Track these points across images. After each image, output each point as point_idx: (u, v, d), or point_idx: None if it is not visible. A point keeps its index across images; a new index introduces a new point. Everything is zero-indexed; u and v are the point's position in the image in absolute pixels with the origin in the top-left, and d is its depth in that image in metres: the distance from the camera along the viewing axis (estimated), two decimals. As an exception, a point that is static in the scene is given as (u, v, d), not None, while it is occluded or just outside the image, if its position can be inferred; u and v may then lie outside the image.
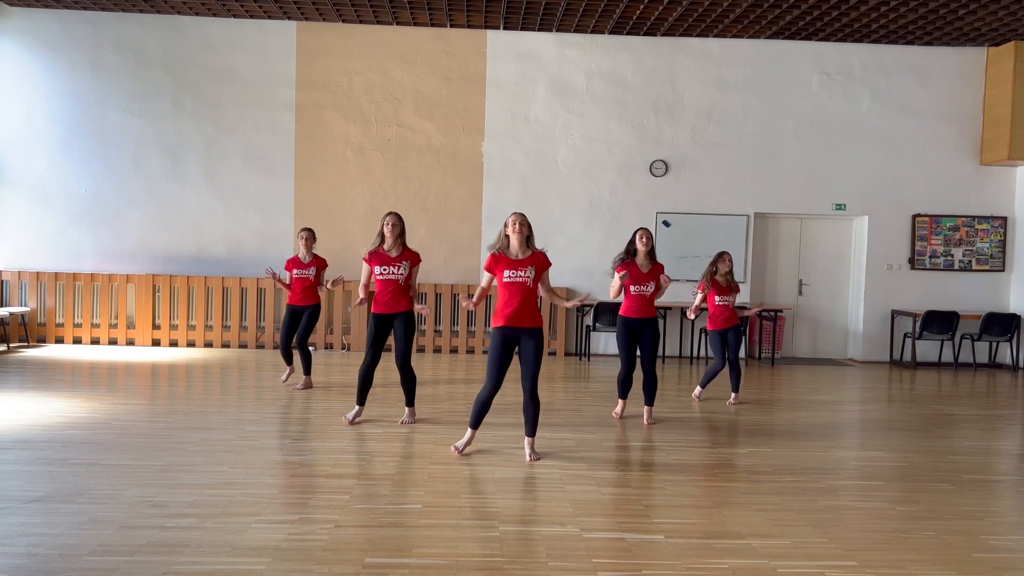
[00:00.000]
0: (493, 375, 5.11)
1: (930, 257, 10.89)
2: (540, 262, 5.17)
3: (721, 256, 7.41)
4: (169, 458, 4.94)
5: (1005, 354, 10.92)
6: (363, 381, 6.12)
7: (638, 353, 6.51)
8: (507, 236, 5.17)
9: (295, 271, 7.56)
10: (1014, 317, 10.39)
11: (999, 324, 10.34)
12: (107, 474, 4.58)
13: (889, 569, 3.54)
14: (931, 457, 5.65)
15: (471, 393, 7.68)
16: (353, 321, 10.34)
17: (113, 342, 10.20)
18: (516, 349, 5.19)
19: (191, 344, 10.28)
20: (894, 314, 10.86)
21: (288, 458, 5.12)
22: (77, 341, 10.15)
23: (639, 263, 6.38)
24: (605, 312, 9.88)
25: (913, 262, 10.88)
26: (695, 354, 10.58)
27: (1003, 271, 10.95)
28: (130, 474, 4.59)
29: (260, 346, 10.29)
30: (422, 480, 4.68)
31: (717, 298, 7.38)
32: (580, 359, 10.37)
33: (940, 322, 10.23)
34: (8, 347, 9.64)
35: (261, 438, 5.56)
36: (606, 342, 10.67)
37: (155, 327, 10.23)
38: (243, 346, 10.32)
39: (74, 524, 3.75)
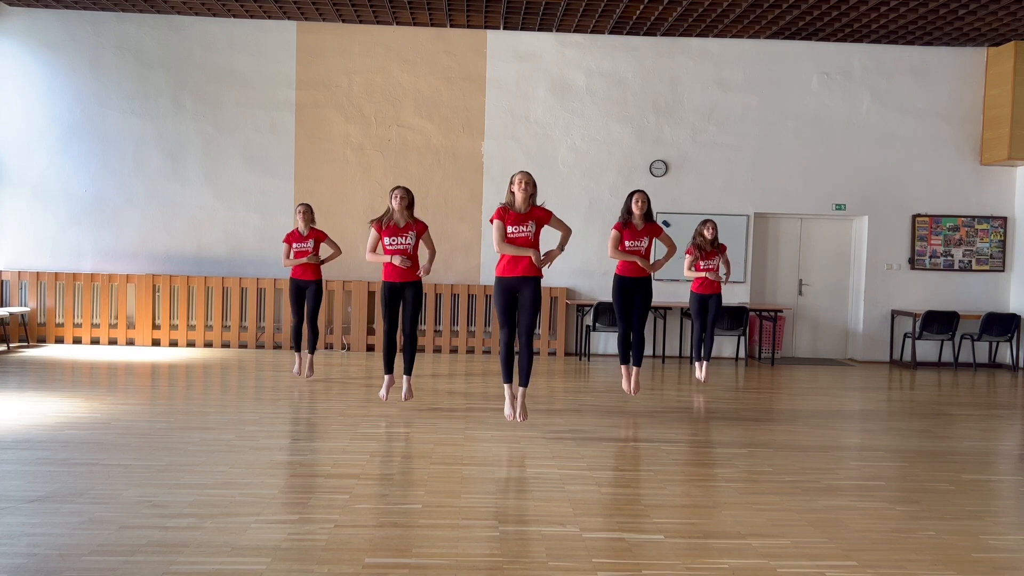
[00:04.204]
0: (504, 322, 5.67)
1: (930, 257, 10.89)
2: (541, 216, 5.72)
3: (704, 223, 8.00)
4: (169, 458, 4.94)
5: (1005, 354, 10.92)
6: (387, 347, 6.51)
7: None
8: (512, 192, 5.74)
9: (295, 245, 7.86)
10: (1014, 317, 10.39)
11: (999, 324, 10.33)
12: (107, 474, 4.57)
13: (889, 569, 3.54)
14: (931, 457, 5.64)
15: (472, 392, 7.69)
16: (353, 321, 10.34)
17: (113, 342, 10.20)
18: (517, 297, 5.70)
19: (191, 344, 10.28)
20: (894, 314, 10.86)
21: (288, 458, 5.12)
22: (77, 341, 10.15)
23: (635, 223, 6.73)
24: (605, 312, 9.87)
25: (913, 262, 10.88)
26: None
27: (1003, 271, 10.95)
28: (130, 474, 4.58)
29: (260, 346, 10.29)
30: (422, 480, 4.68)
31: (700, 262, 7.98)
32: (580, 359, 10.37)
33: (940, 322, 10.23)
34: (8, 347, 9.64)
35: (261, 438, 5.55)
36: (606, 342, 10.67)
37: (155, 327, 10.24)
38: (243, 346, 10.32)
39: (74, 524, 3.75)
